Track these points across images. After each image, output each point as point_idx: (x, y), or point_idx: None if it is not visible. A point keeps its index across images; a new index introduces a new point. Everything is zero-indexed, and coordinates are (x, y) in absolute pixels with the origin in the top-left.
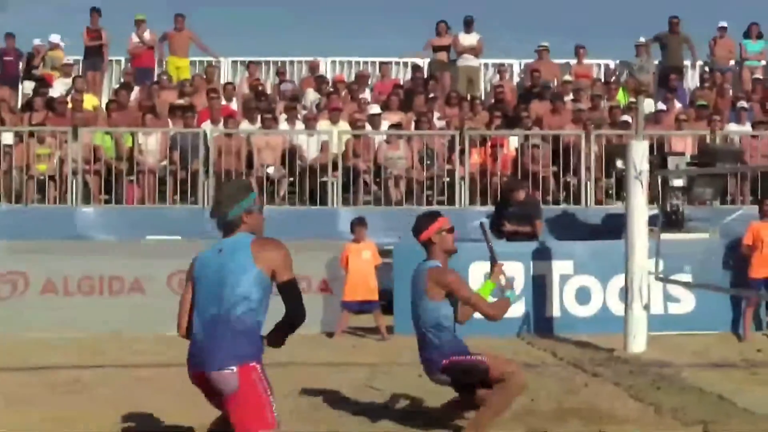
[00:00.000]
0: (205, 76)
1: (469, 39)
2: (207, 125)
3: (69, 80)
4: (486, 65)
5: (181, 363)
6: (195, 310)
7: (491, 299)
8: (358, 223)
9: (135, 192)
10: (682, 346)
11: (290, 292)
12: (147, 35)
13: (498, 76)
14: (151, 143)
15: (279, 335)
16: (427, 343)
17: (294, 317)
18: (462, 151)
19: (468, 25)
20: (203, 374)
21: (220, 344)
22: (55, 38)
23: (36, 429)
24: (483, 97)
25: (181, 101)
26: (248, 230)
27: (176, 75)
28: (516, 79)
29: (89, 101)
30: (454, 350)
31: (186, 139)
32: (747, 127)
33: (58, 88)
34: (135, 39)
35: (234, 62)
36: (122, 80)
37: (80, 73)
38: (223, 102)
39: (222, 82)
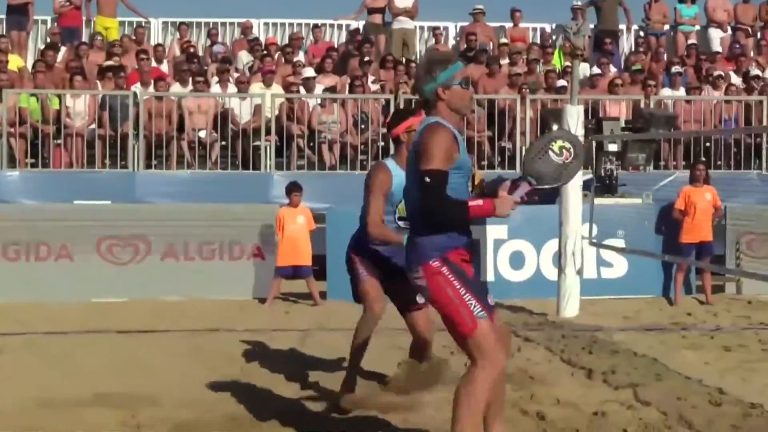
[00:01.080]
0: (134, 37)
1: (404, 1)
2: (137, 87)
3: None
4: (422, 28)
5: (107, 330)
6: None
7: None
8: (293, 188)
9: (62, 156)
10: (614, 311)
11: (420, 183)
12: None
13: (434, 39)
14: (79, 105)
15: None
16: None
17: (426, 216)
18: None
19: None
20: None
21: (409, 245)
22: None
23: None
24: (418, 61)
25: (110, 62)
26: (447, 107)
27: (105, 35)
28: (451, 42)
29: (14, 62)
30: (366, 249)
31: (115, 101)
32: (681, 92)
33: None
34: None
35: (164, 23)
36: (48, 40)
37: (4, 33)
38: (154, 64)
39: (152, 43)
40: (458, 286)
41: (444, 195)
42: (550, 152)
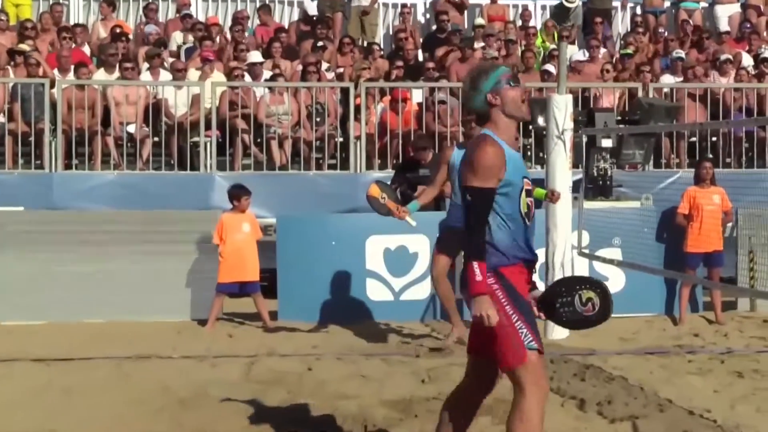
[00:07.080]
0: (50, 16)
1: None
2: (54, 74)
3: None
4: (385, 5)
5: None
6: None
7: None
8: (240, 191)
9: None
10: (610, 331)
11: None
12: None
13: (399, 19)
14: None
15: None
16: None
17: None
18: (357, 107)
19: None
20: None
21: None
22: None
23: None
24: (381, 44)
25: (23, 45)
26: (502, 115)
27: (15, 14)
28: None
29: None
30: None
31: (29, 91)
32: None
33: None
34: None
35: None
36: None
37: None
38: (73, 46)
39: (71, 23)
40: (510, 312)
41: (480, 215)
42: (576, 301)
